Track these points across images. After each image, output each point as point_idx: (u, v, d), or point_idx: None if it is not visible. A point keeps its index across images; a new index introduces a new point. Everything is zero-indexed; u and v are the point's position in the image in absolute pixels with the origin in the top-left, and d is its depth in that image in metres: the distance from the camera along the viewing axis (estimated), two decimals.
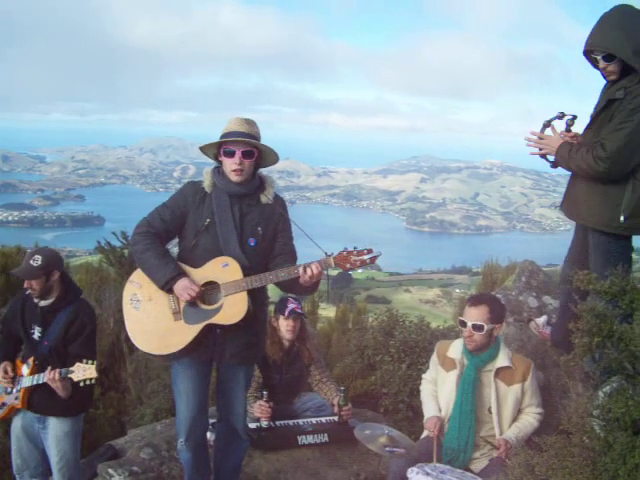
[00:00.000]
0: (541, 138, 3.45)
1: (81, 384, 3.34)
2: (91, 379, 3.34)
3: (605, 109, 3.25)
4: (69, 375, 3.34)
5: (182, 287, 2.92)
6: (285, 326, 4.19)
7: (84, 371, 3.34)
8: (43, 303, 3.49)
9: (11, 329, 3.63)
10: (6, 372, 3.54)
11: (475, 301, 3.44)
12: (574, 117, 3.42)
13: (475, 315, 3.35)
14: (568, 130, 3.44)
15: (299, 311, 4.19)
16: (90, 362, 3.36)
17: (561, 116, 3.41)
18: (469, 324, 3.35)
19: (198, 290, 2.93)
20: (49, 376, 3.34)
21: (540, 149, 3.46)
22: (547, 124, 3.42)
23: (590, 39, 3.22)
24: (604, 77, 3.35)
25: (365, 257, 2.91)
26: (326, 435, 4.06)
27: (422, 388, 3.69)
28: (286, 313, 4.17)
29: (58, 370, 3.35)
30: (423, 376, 3.74)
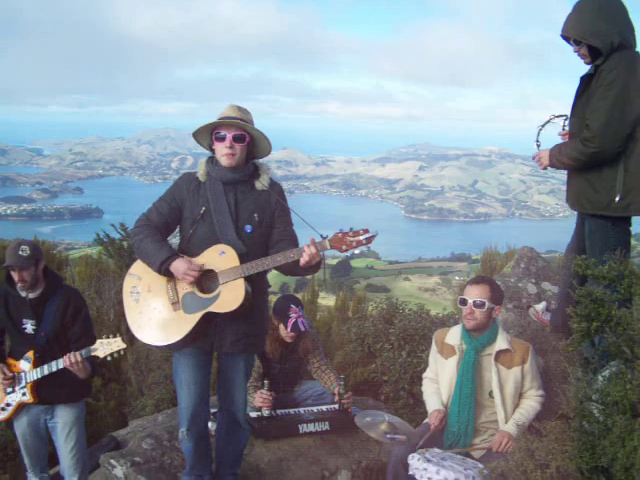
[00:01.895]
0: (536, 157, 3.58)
1: (109, 358, 3.36)
2: (119, 351, 3.36)
3: (582, 93, 3.31)
4: (93, 353, 3.35)
5: (182, 271, 2.91)
6: (286, 334, 4.15)
7: (109, 345, 3.36)
8: (32, 295, 3.42)
9: None
10: (4, 373, 3.45)
11: (476, 280, 3.49)
12: (565, 117, 3.50)
13: (477, 292, 3.38)
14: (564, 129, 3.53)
15: (302, 328, 4.08)
16: (112, 335, 3.38)
17: (552, 118, 3.47)
18: (470, 301, 3.37)
19: (198, 269, 2.92)
20: (71, 360, 3.31)
21: (544, 167, 3.56)
22: (541, 128, 3.49)
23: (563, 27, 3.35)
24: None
25: (361, 237, 2.86)
26: (327, 423, 4.07)
27: (424, 388, 3.67)
28: (288, 327, 4.07)
29: (78, 352, 3.34)
30: (424, 375, 3.72)
